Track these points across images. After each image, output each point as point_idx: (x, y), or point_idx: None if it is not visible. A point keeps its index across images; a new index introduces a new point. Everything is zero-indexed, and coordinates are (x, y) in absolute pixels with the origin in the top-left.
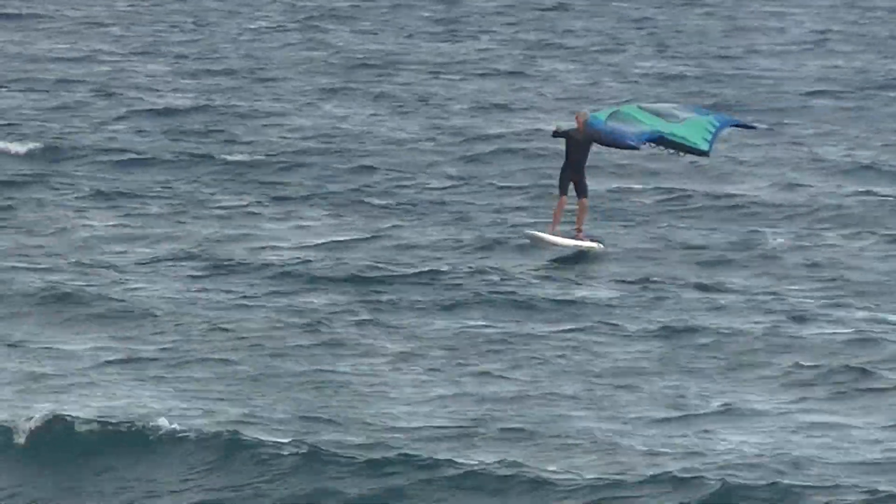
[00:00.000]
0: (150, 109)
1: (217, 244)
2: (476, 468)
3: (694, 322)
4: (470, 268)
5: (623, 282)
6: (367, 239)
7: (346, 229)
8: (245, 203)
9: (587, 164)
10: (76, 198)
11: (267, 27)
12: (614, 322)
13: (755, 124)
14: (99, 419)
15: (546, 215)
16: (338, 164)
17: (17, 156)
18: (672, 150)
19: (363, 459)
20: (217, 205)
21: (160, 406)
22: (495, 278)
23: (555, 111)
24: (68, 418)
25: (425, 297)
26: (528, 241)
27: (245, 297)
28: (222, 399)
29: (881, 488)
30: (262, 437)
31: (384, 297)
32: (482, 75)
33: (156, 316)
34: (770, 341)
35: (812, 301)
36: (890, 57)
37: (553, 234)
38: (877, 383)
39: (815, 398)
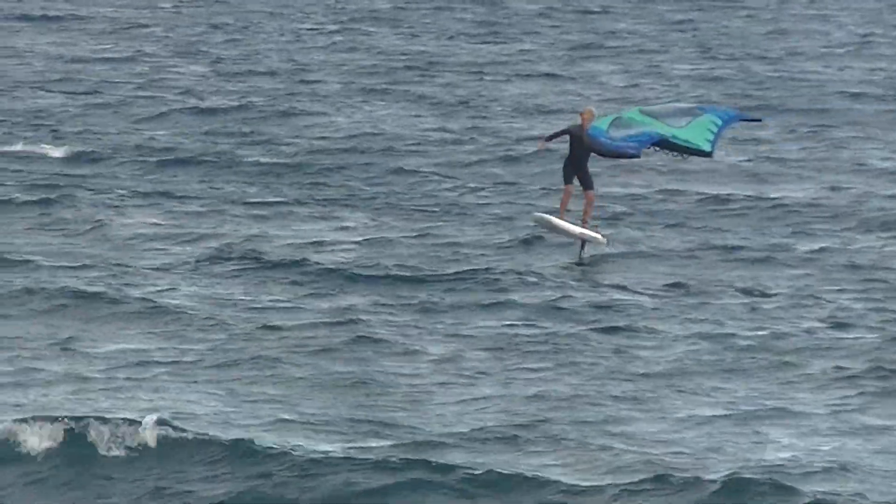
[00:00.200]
0: (192, 109)
1: (258, 244)
2: (523, 470)
3: (736, 324)
4: (510, 269)
5: (664, 283)
6: (408, 239)
7: (386, 230)
8: (286, 203)
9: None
10: (117, 198)
11: (308, 29)
12: (656, 323)
13: (761, 117)
14: (144, 420)
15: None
16: (379, 164)
17: (58, 157)
18: (675, 153)
19: (408, 461)
20: (258, 205)
21: (204, 409)
22: (536, 280)
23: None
24: (115, 420)
25: (466, 298)
26: (537, 224)
27: (287, 297)
28: (267, 402)
29: None
30: (307, 440)
31: (426, 298)
32: (524, 77)
33: (197, 317)
34: (814, 343)
35: (855, 303)
36: None
37: (561, 218)
38: None
39: (861, 400)
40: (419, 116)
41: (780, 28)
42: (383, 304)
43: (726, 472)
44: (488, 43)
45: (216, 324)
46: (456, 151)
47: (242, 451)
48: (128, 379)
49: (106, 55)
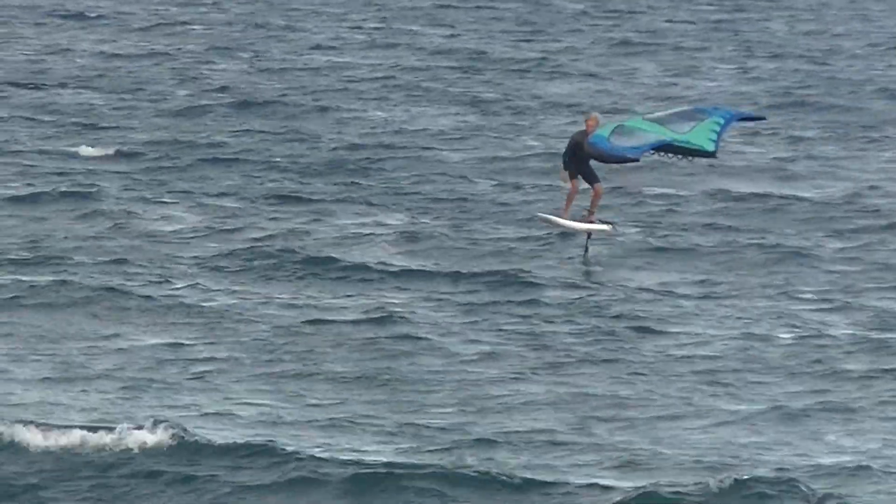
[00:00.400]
0: (230, 104)
1: (297, 241)
2: (570, 471)
3: (775, 322)
4: (549, 266)
5: (702, 281)
6: (447, 236)
7: (426, 227)
8: (326, 200)
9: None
10: (155, 195)
11: (349, 26)
12: (696, 322)
13: (763, 115)
14: (192, 423)
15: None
16: (418, 161)
17: (97, 154)
18: (680, 156)
19: (454, 462)
20: (297, 202)
21: (246, 409)
22: (574, 278)
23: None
24: (156, 418)
25: (506, 295)
26: (543, 223)
27: (327, 295)
28: (309, 401)
29: None
30: (351, 440)
31: (466, 296)
32: (565, 75)
33: (235, 314)
34: (855, 342)
35: (891, 303)
36: None
37: (564, 217)
38: None
39: None
40: (459, 114)
41: (821, 27)
42: (423, 301)
43: (774, 472)
44: (530, 41)
45: (254, 321)
46: (496, 148)
47: (283, 452)
48: (165, 378)
49: (146, 51)
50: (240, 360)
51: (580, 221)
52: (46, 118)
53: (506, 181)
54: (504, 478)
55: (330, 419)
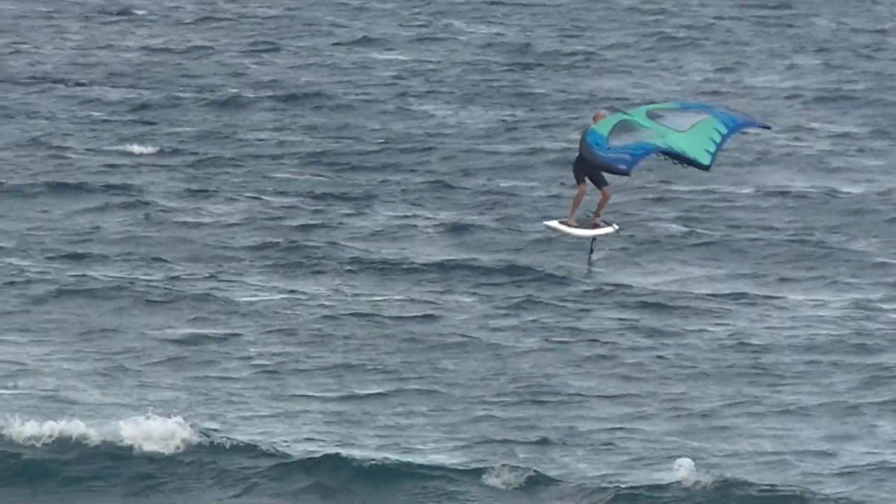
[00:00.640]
0: (270, 98)
1: (340, 237)
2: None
3: (813, 320)
4: (591, 263)
5: (716, 279)
6: (492, 233)
7: (470, 224)
8: (368, 196)
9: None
10: (199, 189)
11: (393, 22)
12: (742, 317)
13: (769, 124)
14: (236, 431)
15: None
16: (464, 156)
17: (144, 152)
18: (675, 161)
19: (512, 463)
20: (340, 198)
21: (306, 406)
22: (621, 274)
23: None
24: (200, 414)
25: (549, 294)
26: (549, 231)
27: (376, 289)
28: (368, 398)
29: None
30: (414, 441)
31: (512, 293)
32: (609, 70)
33: (280, 310)
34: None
35: None
36: None
37: (570, 224)
38: None
39: None
40: (505, 109)
41: (874, 21)
42: (471, 298)
43: (802, 478)
44: (574, 36)
45: (301, 315)
46: (543, 142)
47: (339, 456)
48: (208, 374)
49: (192, 47)
50: (292, 354)
51: (585, 227)
52: (93, 113)
53: (552, 175)
54: (556, 475)
55: (388, 414)
